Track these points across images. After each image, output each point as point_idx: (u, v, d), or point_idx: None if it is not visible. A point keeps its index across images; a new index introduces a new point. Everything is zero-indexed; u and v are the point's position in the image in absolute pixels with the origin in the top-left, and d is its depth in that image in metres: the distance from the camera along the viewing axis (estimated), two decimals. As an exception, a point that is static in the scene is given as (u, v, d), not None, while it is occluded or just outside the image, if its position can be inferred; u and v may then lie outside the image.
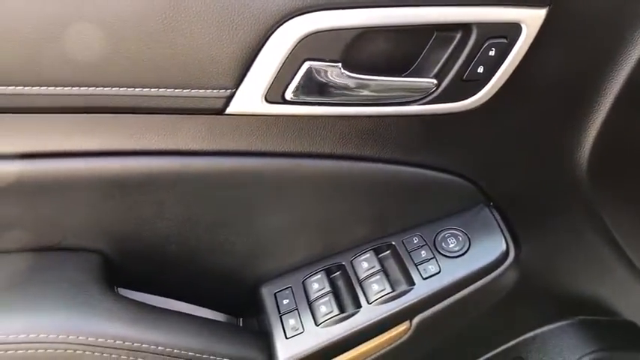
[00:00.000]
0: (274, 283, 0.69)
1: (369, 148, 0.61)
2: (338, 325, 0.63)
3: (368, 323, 0.62)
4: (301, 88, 0.53)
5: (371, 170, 0.62)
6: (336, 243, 0.68)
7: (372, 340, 0.63)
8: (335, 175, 0.62)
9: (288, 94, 0.53)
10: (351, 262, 0.67)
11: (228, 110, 0.53)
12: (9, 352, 0.51)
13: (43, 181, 0.56)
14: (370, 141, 0.61)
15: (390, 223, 0.67)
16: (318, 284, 0.66)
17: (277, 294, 0.67)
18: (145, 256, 0.64)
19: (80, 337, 0.53)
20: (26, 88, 0.50)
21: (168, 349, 0.56)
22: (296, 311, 0.65)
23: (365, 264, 0.66)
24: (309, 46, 0.51)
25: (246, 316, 0.73)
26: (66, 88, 0.51)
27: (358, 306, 0.63)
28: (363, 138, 0.60)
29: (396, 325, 0.63)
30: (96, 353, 0.53)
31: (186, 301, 0.70)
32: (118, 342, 0.54)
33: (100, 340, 0.53)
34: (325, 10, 0.50)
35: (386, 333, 0.63)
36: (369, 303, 0.63)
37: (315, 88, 0.53)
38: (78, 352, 0.53)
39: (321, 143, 0.59)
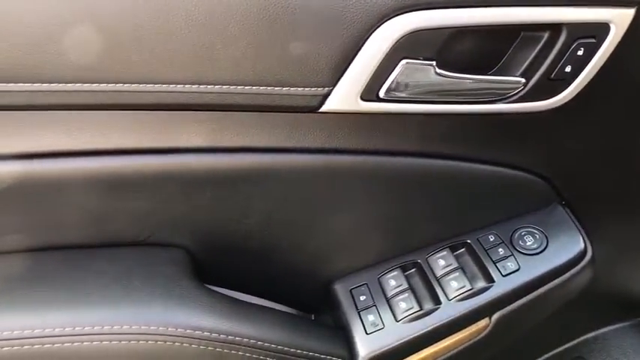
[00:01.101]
0: (348, 279, 0.70)
1: (451, 146, 0.62)
2: (419, 321, 0.64)
3: (449, 319, 0.63)
4: (396, 86, 0.54)
5: (450, 168, 0.63)
6: (410, 241, 0.69)
7: (452, 336, 0.64)
8: (415, 173, 0.63)
9: (383, 92, 0.54)
10: (427, 259, 0.68)
11: (323, 108, 0.55)
12: (113, 342, 0.52)
13: (133, 178, 0.57)
14: (452, 139, 0.62)
15: (465, 221, 0.68)
16: (395, 281, 0.67)
17: (353, 290, 0.68)
18: (227, 252, 0.65)
19: (179, 330, 0.54)
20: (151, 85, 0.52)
21: (259, 343, 0.58)
22: (374, 307, 0.66)
23: (442, 261, 0.67)
24: (407, 45, 0.52)
25: (318, 312, 0.74)
26: (171, 86, 0.52)
27: (438, 302, 0.64)
28: (446, 136, 0.61)
29: (476, 322, 0.63)
30: (193, 345, 0.54)
31: (260, 297, 0.71)
32: (213, 335, 0.55)
33: (197, 332, 0.55)
34: (426, 10, 0.51)
35: (466, 329, 0.64)
36: (449, 299, 0.64)
37: (409, 86, 0.54)
38: (176, 344, 0.54)
39: (407, 141, 0.60)
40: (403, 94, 0.55)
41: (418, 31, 0.52)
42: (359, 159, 0.60)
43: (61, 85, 0.51)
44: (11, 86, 0.50)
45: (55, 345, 0.51)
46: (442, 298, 0.64)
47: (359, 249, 0.69)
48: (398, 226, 0.68)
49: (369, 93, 0.54)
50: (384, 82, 0.54)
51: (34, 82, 0.50)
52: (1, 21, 0.49)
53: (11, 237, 0.58)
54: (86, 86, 0.51)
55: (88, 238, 0.60)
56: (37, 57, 0.50)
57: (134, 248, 0.61)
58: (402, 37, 0.51)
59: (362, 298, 0.67)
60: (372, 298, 0.67)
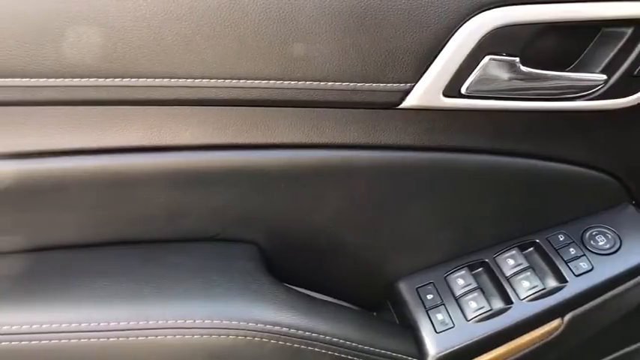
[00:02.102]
0: (414, 278, 0.69)
1: (525, 144, 0.61)
2: (490, 321, 0.63)
3: (521, 319, 0.62)
4: (478, 82, 0.53)
5: (522, 166, 0.63)
6: (477, 240, 0.68)
7: (523, 336, 0.63)
8: (487, 171, 0.62)
9: (465, 88, 0.54)
10: (494, 258, 0.68)
11: (403, 104, 0.54)
12: (195, 336, 0.52)
13: (209, 173, 0.58)
14: (527, 136, 0.61)
15: (533, 220, 0.67)
16: (463, 280, 0.67)
17: (419, 289, 0.68)
18: (294, 248, 0.65)
19: (259, 325, 0.54)
20: (218, 80, 0.52)
21: (334, 339, 0.57)
22: (443, 306, 0.65)
23: (511, 261, 0.66)
24: (492, 41, 0.52)
25: (379, 310, 0.74)
26: (255, 82, 0.52)
27: (509, 302, 0.63)
28: (522, 133, 0.61)
29: (548, 322, 0.63)
30: (272, 341, 0.54)
31: (320, 294, 0.71)
32: (291, 330, 0.55)
33: (276, 328, 0.55)
34: (513, 5, 0.51)
35: (538, 329, 0.63)
36: (520, 299, 0.63)
37: (492, 83, 0.54)
38: (256, 339, 0.54)
39: (481, 138, 0.60)
40: (485, 91, 0.54)
41: (504, 26, 0.51)
42: (433, 156, 0.60)
43: (156, 80, 0.51)
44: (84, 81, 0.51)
45: (139, 338, 0.51)
46: (513, 297, 0.63)
47: (425, 247, 0.68)
48: (465, 224, 0.67)
49: (452, 89, 0.54)
50: (467, 78, 0.53)
51: (125, 78, 0.51)
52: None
53: (91, 231, 0.59)
54: (173, 81, 0.51)
55: (162, 233, 0.61)
56: (78, 51, 0.50)
57: (208, 243, 0.61)
58: (488, 33, 0.51)
59: (429, 296, 0.67)
60: (440, 296, 0.66)
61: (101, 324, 0.51)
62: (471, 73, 0.53)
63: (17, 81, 0.50)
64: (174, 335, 0.52)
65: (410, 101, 0.54)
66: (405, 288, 0.69)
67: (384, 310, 0.72)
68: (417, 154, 0.59)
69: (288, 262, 0.66)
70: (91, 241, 0.59)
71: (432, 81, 0.53)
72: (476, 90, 0.54)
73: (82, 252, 0.59)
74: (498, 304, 0.64)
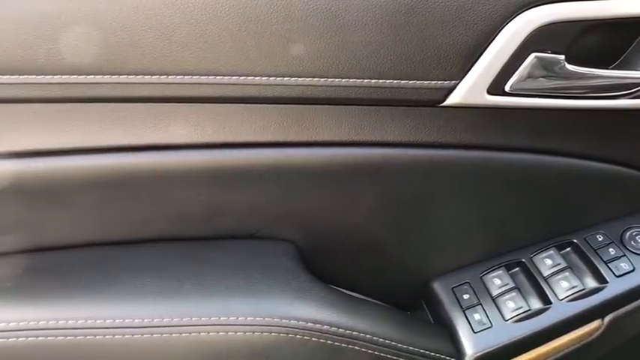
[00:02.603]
0: (449, 278, 0.69)
1: (565, 142, 0.61)
2: (529, 321, 0.62)
3: (560, 320, 0.62)
4: (523, 80, 0.53)
5: (561, 165, 0.62)
6: (513, 239, 0.68)
7: (562, 337, 0.62)
8: (526, 170, 0.62)
9: (509, 86, 0.53)
10: (531, 258, 0.67)
11: (446, 102, 0.54)
12: (238, 333, 0.52)
13: (248, 170, 0.58)
14: (568, 135, 0.60)
15: (571, 220, 0.67)
16: (500, 280, 0.66)
17: (455, 289, 0.68)
18: (331, 247, 0.65)
19: (300, 322, 0.54)
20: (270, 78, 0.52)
21: (374, 338, 0.57)
22: (480, 306, 0.65)
23: (548, 261, 0.66)
24: (538, 38, 0.51)
25: (414, 309, 0.73)
26: (299, 79, 0.52)
27: (548, 302, 0.63)
28: (562, 132, 0.60)
29: (588, 323, 0.62)
30: (313, 338, 0.54)
31: (353, 292, 0.71)
32: (332, 329, 0.55)
33: (317, 325, 0.54)
34: (560, 3, 0.50)
35: (577, 330, 0.62)
36: (559, 299, 0.62)
37: (537, 81, 0.53)
38: (298, 337, 0.54)
39: (522, 136, 0.59)
40: (529, 89, 0.54)
41: (551, 24, 0.51)
42: (474, 154, 0.60)
43: (191, 77, 0.52)
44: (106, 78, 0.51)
45: (182, 335, 0.51)
46: (552, 297, 0.63)
47: (461, 247, 0.68)
48: (502, 224, 0.67)
49: (496, 87, 0.53)
50: (512, 76, 0.53)
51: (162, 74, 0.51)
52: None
53: (131, 228, 0.59)
54: (218, 79, 0.51)
55: (201, 230, 0.61)
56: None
57: (246, 241, 0.61)
58: (534, 31, 0.51)
59: (465, 296, 0.66)
60: (477, 296, 0.66)
61: (145, 320, 0.51)
62: (515, 71, 0.53)
63: (65, 78, 0.50)
64: (217, 332, 0.52)
65: (453, 99, 0.54)
66: (440, 287, 0.69)
67: (418, 309, 0.71)
68: (458, 153, 0.59)
69: (323, 261, 0.66)
70: (131, 239, 0.60)
71: (477, 79, 0.53)
72: (520, 88, 0.54)
73: (122, 249, 0.59)
74: (537, 304, 0.63)
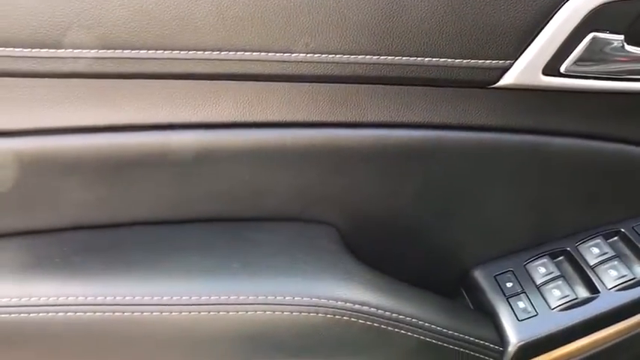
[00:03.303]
0: (491, 266, 0.68)
1: (618, 127, 0.60)
2: (575, 310, 0.61)
3: (608, 309, 0.60)
4: (579, 61, 0.52)
5: (614, 151, 0.61)
6: (558, 228, 0.66)
7: (610, 327, 0.61)
8: (576, 156, 0.61)
9: (564, 67, 0.52)
10: (577, 247, 0.66)
11: (500, 83, 0.53)
12: (285, 313, 0.52)
13: (291, 151, 0.57)
14: (621, 120, 0.59)
15: (619, 209, 0.65)
16: (544, 268, 0.65)
17: (497, 277, 0.67)
18: (372, 231, 0.64)
19: (347, 304, 0.53)
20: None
21: (420, 322, 0.56)
22: (524, 294, 0.64)
23: (595, 249, 0.65)
24: (598, 17, 0.50)
25: (454, 298, 0.73)
26: (344, 57, 0.51)
27: (595, 291, 0.61)
28: (616, 116, 0.59)
29: (638, 314, 0.61)
30: (360, 321, 0.53)
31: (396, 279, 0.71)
32: (379, 311, 0.54)
33: (364, 308, 0.54)
34: (622, -20, 0.49)
35: (626, 320, 0.61)
36: (607, 289, 0.61)
37: (594, 62, 0.52)
38: (344, 318, 0.53)
39: (573, 120, 0.58)
40: (586, 70, 0.53)
41: (612, 2, 0.50)
42: (524, 138, 0.58)
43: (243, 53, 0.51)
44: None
45: (230, 313, 0.51)
46: (599, 287, 0.61)
47: (505, 234, 0.67)
48: (548, 211, 0.65)
49: (551, 67, 0.52)
50: (568, 57, 0.52)
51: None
52: None
53: (173, 207, 0.58)
54: (270, 55, 0.51)
55: (243, 211, 0.60)
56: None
57: (289, 223, 0.61)
58: (594, 9, 0.49)
59: (508, 284, 0.65)
60: (520, 284, 0.65)
61: (192, 298, 0.51)
62: (572, 51, 0.52)
63: (117, 52, 0.50)
64: (264, 311, 0.52)
65: (507, 80, 0.53)
66: (482, 275, 0.68)
67: (458, 297, 0.71)
68: (508, 136, 0.58)
69: (364, 246, 0.65)
70: (175, 218, 0.59)
71: (533, 58, 0.52)
72: (575, 69, 0.53)
73: (168, 228, 0.58)
74: (584, 293, 0.62)
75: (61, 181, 0.55)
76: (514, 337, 0.61)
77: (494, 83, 0.53)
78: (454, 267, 0.69)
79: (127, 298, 0.51)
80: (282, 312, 0.52)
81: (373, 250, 0.66)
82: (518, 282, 0.65)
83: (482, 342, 0.60)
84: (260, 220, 0.62)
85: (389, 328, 0.55)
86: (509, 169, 0.61)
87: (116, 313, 0.51)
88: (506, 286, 0.65)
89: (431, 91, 0.56)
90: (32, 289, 0.51)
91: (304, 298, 0.52)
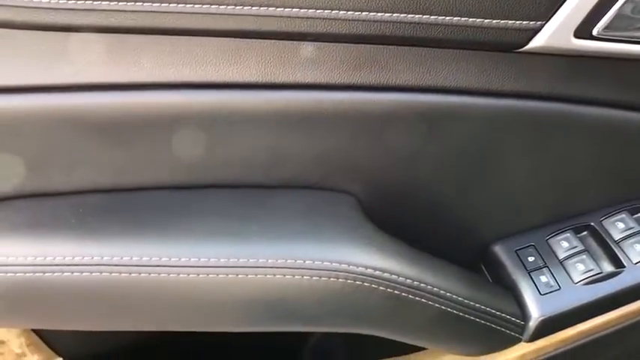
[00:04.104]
0: (511, 240, 0.66)
1: None
2: (599, 284, 0.60)
3: (634, 284, 0.59)
4: (612, 23, 0.50)
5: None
6: (582, 202, 0.65)
7: (635, 303, 0.60)
8: (605, 126, 0.59)
9: (597, 30, 0.50)
10: (601, 222, 0.64)
11: (529, 45, 0.51)
12: (305, 277, 0.51)
13: (311, 114, 0.55)
14: None
15: (643, 183, 0.64)
16: (567, 243, 0.64)
17: (518, 251, 0.65)
18: (391, 202, 0.63)
19: (368, 270, 0.52)
20: None
21: (442, 292, 0.55)
22: (546, 268, 0.62)
23: (620, 224, 0.63)
24: (634, -23, 0.49)
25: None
26: (371, 14, 0.50)
27: (621, 266, 0.60)
28: None
29: (665, 288, 0.60)
30: (381, 287, 0.52)
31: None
32: (400, 279, 0.53)
33: (385, 274, 0.52)
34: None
35: (652, 296, 0.60)
36: (633, 263, 0.59)
37: (627, 24, 0.50)
38: (365, 284, 0.52)
39: (606, 89, 0.56)
40: (619, 34, 0.51)
41: None
42: (552, 106, 0.57)
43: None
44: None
45: (249, 276, 0.50)
46: (625, 261, 0.60)
47: (526, 208, 0.65)
48: (572, 185, 0.64)
49: (583, 30, 0.50)
50: (602, 18, 0.50)
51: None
52: None
53: (190, 171, 0.57)
54: (294, 12, 0.49)
55: (261, 178, 0.59)
56: None
57: (308, 190, 0.60)
58: None
59: (530, 259, 0.64)
60: (542, 259, 0.63)
61: (211, 260, 0.50)
62: (606, 13, 0.50)
63: (130, 5, 0.48)
64: (283, 275, 0.51)
65: (537, 42, 0.51)
66: (502, 250, 0.66)
67: (478, 273, 0.69)
68: (535, 104, 0.56)
69: (383, 217, 0.64)
70: (192, 183, 0.58)
71: (565, 20, 0.50)
72: (609, 32, 0.51)
73: (185, 193, 0.57)
74: (608, 267, 0.61)
75: (76, 142, 0.54)
76: (536, 311, 0.60)
77: (524, 46, 0.52)
78: (474, 241, 0.67)
79: (142, 259, 0.50)
80: (302, 276, 0.51)
81: (392, 221, 0.65)
82: (541, 256, 0.64)
83: (503, 315, 0.59)
84: (279, 187, 0.61)
85: (410, 296, 0.54)
86: (534, 139, 0.59)
87: (132, 274, 0.50)
88: (527, 260, 0.64)
89: (457, 55, 0.54)
90: (47, 249, 0.50)
91: (324, 263, 0.51)
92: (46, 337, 0.64)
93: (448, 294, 0.55)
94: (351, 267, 0.52)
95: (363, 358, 0.67)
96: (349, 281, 0.52)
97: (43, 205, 0.55)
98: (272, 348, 0.70)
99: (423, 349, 0.69)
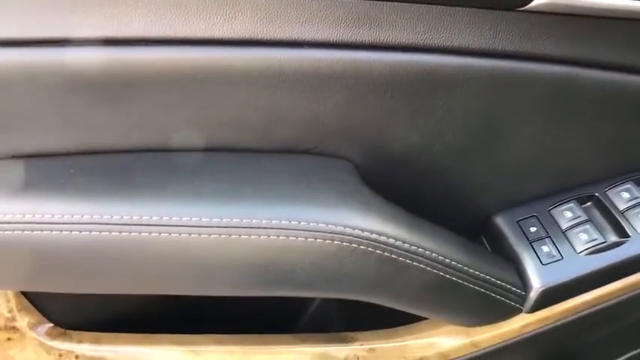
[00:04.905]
0: (513, 211, 0.65)
1: None
2: (603, 254, 0.58)
3: (638, 254, 0.58)
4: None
5: None
6: (586, 172, 0.63)
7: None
8: (612, 91, 0.57)
9: (604, -15, 0.49)
10: (605, 192, 0.63)
11: (534, 3, 0.50)
12: (299, 239, 0.49)
13: (308, 73, 0.53)
14: None
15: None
16: (570, 213, 0.62)
17: (520, 222, 0.64)
18: (390, 169, 0.61)
19: (365, 233, 0.51)
20: None
21: (440, 257, 0.54)
22: (548, 239, 0.61)
23: (625, 194, 0.61)
24: None
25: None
26: None
27: (625, 235, 0.59)
28: None
29: (670, 258, 0.58)
30: (377, 251, 0.51)
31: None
32: (397, 242, 0.52)
33: (382, 238, 0.51)
34: None
35: (657, 266, 0.58)
36: (638, 233, 0.58)
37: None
38: (361, 247, 0.50)
39: (613, 51, 0.54)
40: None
41: None
42: (555, 69, 0.55)
43: None
44: None
45: (242, 237, 0.48)
46: (630, 231, 0.58)
47: (528, 178, 0.63)
48: (576, 154, 0.62)
49: None
50: (611, -28, 0.48)
51: None
52: None
53: (185, 134, 0.56)
54: None
55: (256, 141, 0.57)
56: None
57: (304, 155, 0.58)
58: None
59: (532, 229, 0.62)
60: (545, 229, 0.62)
61: (203, 219, 0.49)
62: (613, -34, 0.48)
63: None
64: (277, 236, 0.49)
65: None
66: (504, 221, 0.65)
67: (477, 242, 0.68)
68: (537, 66, 0.55)
69: (381, 184, 0.63)
70: (182, 146, 0.57)
71: None
72: (616, -13, 0.49)
73: (177, 155, 0.56)
74: (612, 237, 0.59)
75: (66, 100, 0.53)
76: (537, 281, 0.59)
77: (527, 3, 0.50)
78: (475, 212, 0.66)
79: (133, 217, 0.49)
80: (297, 238, 0.50)
81: (390, 189, 0.63)
82: (543, 227, 0.62)
83: (503, 284, 0.58)
84: (275, 152, 0.59)
85: (407, 261, 0.52)
86: (537, 104, 0.58)
87: (123, 233, 0.49)
88: (529, 230, 0.62)
89: (458, 13, 0.52)
90: (37, 207, 0.49)
91: (319, 225, 0.50)
92: (38, 303, 0.63)
93: (447, 260, 0.54)
94: (347, 229, 0.50)
95: (361, 329, 0.66)
96: (345, 244, 0.50)
97: (33, 166, 0.54)
98: (270, 320, 0.69)
99: (423, 319, 0.67)
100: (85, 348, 0.62)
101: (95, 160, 0.55)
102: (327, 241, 0.50)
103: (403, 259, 0.52)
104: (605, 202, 0.62)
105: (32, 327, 0.61)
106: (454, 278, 0.55)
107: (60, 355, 0.61)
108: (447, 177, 0.63)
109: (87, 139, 0.55)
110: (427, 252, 0.53)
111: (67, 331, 0.62)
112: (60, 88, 0.51)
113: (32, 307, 0.61)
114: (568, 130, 0.60)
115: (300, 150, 0.59)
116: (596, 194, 0.63)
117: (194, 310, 0.68)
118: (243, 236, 0.49)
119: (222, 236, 0.49)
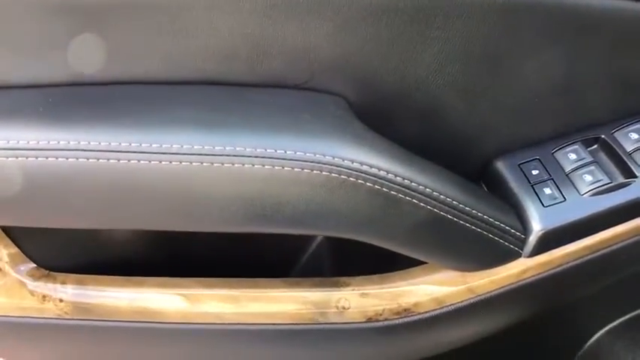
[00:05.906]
0: (515, 155, 0.62)
1: None
2: (608, 195, 0.55)
3: (646, 194, 0.55)
4: None
5: None
6: (592, 113, 0.60)
7: (647, 215, 0.56)
8: (617, 22, 0.53)
9: None
10: (612, 134, 0.60)
11: None
12: (286, 168, 0.47)
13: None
14: None
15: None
16: (575, 155, 0.59)
17: (522, 165, 0.61)
18: (386, 107, 0.58)
19: (355, 164, 0.48)
20: None
21: (434, 193, 0.51)
22: (551, 181, 0.58)
23: (634, 135, 0.58)
24: None
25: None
26: None
27: (632, 176, 0.56)
28: None
29: (679, 200, 0.55)
30: (368, 183, 0.48)
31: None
32: (389, 175, 0.49)
33: (373, 170, 0.49)
34: None
35: (666, 207, 0.55)
36: (646, 173, 0.55)
37: None
38: (351, 179, 0.48)
39: None
40: None
41: None
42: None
43: None
44: None
45: (225, 165, 0.46)
46: (637, 171, 0.56)
47: (531, 118, 0.60)
48: (582, 93, 0.59)
49: None
50: None
51: None
52: None
53: (169, 64, 0.53)
54: None
55: (244, 74, 0.54)
56: None
57: (295, 90, 0.56)
58: None
59: (534, 172, 0.59)
60: (547, 171, 0.59)
61: (184, 146, 0.46)
62: None
63: None
64: (262, 165, 0.47)
65: None
66: (505, 165, 0.62)
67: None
68: None
69: (375, 122, 0.60)
70: (166, 78, 0.54)
71: None
72: None
73: (160, 87, 0.54)
74: (619, 178, 0.56)
75: (46, 25, 0.50)
76: (538, 223, 0.56)
77: None
78: (474, 155, 0.63)
79: (112, 144, 0.47)
80: (283, 167, 0.47)
81: (384, 129, 0.60)
82: (546, 169, 0.59)
83: (501, 225, 0.55)
84: (263, 86, 0.57)
85: (399, 195, 0.50)
86: (542, 37, 0.54)
87: (100, 160, 0.46)
88: (531, 173, 0.60)
89: None
90: (12, 134, 0.47)
91: (307, 154, 0.47)
92: (21, 245, 0.61)
93: (441, 196, 0.52)
94: (336, 159, 0.48)
95: (357, 273, 0.64)
96: (333, 175, 0.48)
97: (10, 95, 0.52)
98: (261, 268, 0.67)
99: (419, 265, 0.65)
100: (70, 291, 0.60)
101: (75, 90, 0.53)
102: (314, 171, 0.47)
103: (395, 193, 0.50)
104: (612, 144, 0.59)
105: (14, 267, 0.59)
106: (449, 216, 0.52)
107: (44, 297, 0.60)
108: (445, 116, 0.60)
109: (66, 69, 0.53)
110: (420, 187, 0.50)
111: (51, 272, 0.61)
112: (38, 12, 0.49)
113: (15, 248, 0.60)
114: (574, 65, 0.56)
115: (290, 85, 0.57)
116: (603, 136, 0.60)
117: (183, 255, 0.66)
118: (226, 164, 0.46)
119: (205, 164, 0.46)
